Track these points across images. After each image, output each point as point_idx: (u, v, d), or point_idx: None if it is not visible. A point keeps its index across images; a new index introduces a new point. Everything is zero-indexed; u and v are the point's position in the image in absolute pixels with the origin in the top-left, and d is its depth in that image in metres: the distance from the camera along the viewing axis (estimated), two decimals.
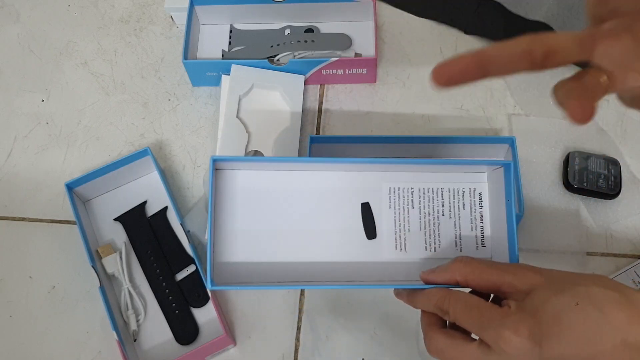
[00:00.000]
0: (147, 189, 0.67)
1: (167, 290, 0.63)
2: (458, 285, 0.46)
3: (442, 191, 0.50)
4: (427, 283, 0.47)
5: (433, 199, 0.50)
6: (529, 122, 0.69)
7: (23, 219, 0.68)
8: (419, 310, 0.48)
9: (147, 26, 0.78)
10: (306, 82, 0.71)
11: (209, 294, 0.61)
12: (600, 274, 0.62)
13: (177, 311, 0.62)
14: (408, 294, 0.48)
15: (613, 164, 0.65)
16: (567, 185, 0.65)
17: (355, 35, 0.73)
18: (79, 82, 0.75)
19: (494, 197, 0.49)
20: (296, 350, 0.61)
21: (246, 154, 0.66)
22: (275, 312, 0.62)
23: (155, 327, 0.62)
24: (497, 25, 0.72)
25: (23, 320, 0.64)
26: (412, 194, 0.50)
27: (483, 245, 0.50)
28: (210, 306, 0.62)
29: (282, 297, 0.63)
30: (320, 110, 0.72)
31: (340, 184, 0.49)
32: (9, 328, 0.63)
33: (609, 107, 0.70)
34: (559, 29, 0.70)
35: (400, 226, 0.50)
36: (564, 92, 0.37)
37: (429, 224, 0.50)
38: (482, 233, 0.50)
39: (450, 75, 0.37)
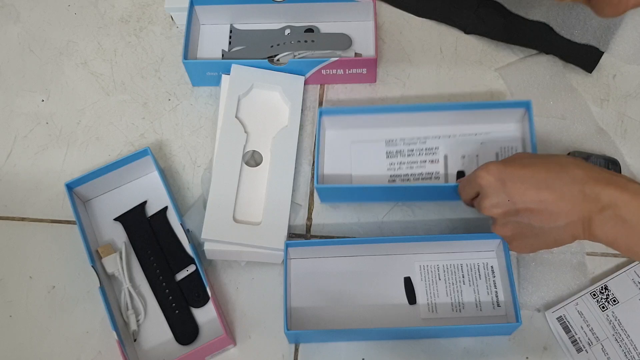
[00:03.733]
0: (147, 189, 0.67)
1: (167, 290, 0.63)
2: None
3: (462, 266, 0.63)
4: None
5: (455, 273, 0.63)
6: None
7: (23, 219, 0.68)
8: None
9: (147, 26, 0.78)
10: (306, 82, 0.71)
11: (209, 294, 0.61)
12: (600, 274, 0.62)
13: (177, 311, 0.62)
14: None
15: (613, 164, 0.65)
16: None
17: (355, 35, 0.73)
18: (79, 82, 0.75)
19: (502, 267, 0.61)
20: (296, 350, 0.61)
21: (244, 154, 0.66)
22: (276, 312, 0.62)
23: (155, 327, 0.62)
24: (497, 25, 0.72)
25: (23, 320, 0.64)
26: (438, 270, 0.63)
27: (498, 305, 0.61)
28: (210, 306, 0.62)
29: (282, 298, 0.63)
30: None
31: (384, 264, 0.63)
32: (9, 328, 0.63)
33: (609, 107, 0.70)
34: (559, 29, 0.70)
35: (430, 294, 0.62)
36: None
37: (453, 292, 0.62)
38: (496, 296, 0.61)
39: None
